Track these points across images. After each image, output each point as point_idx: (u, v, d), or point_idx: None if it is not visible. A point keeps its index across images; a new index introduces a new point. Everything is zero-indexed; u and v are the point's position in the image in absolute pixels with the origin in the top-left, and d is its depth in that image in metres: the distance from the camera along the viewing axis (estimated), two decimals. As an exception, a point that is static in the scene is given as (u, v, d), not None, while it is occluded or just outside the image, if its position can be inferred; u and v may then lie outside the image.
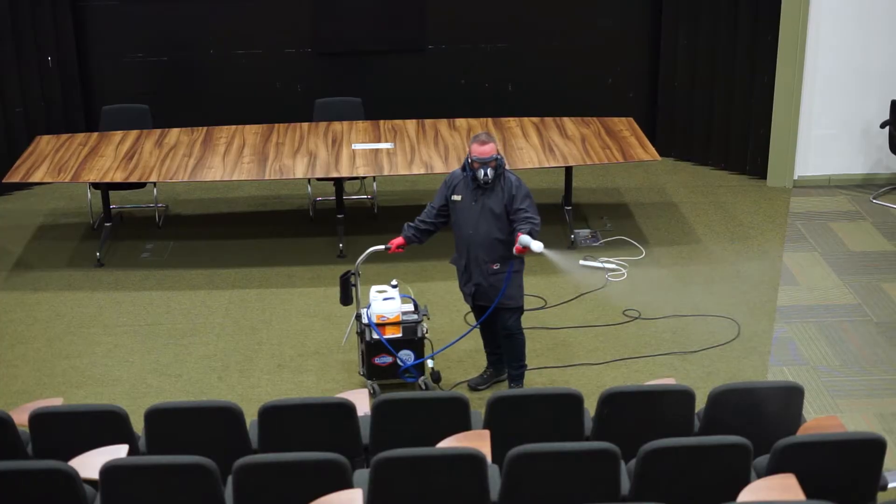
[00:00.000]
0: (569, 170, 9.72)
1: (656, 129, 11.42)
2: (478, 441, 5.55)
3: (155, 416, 5.76)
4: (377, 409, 5.87)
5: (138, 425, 5.98)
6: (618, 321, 8.43)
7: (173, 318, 8.54)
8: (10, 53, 10.56)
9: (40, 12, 10.72)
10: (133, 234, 9.99)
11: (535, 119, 10.09)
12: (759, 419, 5.77)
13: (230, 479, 5.22)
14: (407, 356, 7.40)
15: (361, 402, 6.18)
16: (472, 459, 5.17)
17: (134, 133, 9.91)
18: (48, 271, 9.30)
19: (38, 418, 5.77)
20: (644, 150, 9.54)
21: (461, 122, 10.05)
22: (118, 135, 9.88)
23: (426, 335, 7.45)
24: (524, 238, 6.80)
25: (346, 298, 7.45)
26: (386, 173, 9.27)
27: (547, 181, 10.60)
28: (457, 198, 7.14)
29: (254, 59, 11.37)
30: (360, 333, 7.45)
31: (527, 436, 5.33)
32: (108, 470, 5.12)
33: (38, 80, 10.84)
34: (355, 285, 7.42)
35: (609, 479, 5.24)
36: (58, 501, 5.16)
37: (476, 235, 7.08)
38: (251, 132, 9.94)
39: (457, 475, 5.20)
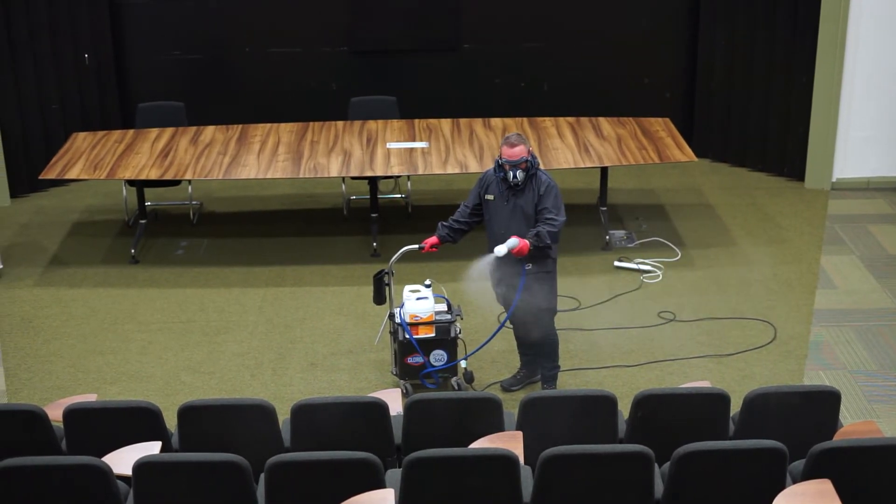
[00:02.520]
0: (604, 170, 9.68)
1: (693, 130, 11.34)
2: (510, 442, 5.54)
3: (188, 413, 5.77)
4: (410, 408, 5.86)
5: (171, 422, 6.00)
6: (652, 323, 8.38)
7: (207, 316, 8.57)
8: (47, 51, 10.63)
9: (77, 10, 10.78)
10: (168, 231, 10.03)
11: (570, 119, 10.05)
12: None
13: (262, 476, 5.22)
14: (440, 357, 7.38)
15: (394, 401, 6.17)
16: (504, 460, 5.15)
17: (169, 130, 9.95)
18: (83, 268, 9.35)
19: (72, 414, 5.80)
20: (680, 151, 9.48)
21: (496, 122, 10.02)
22: (153, 132, 9.92)
23: (459, 335, 7.43)
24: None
25: (379, 297, 7.44)
26: (420, 172, 9.25)
27: (582, 181, 10.56)
28: (490, 197, 7.12)
29: (289, 58, 11.39)
30: (394, 333, 7.44)
31: (560, 437, 5.31)
32: (141, 466, 5.14)
33: (74, 78, 10.91)
34: (389, 284, 7.40)
35: (642, 483, 5.21)
36: (91, 497, 5.19)
37: (508, 235, 7.04)
38: (286, 130, 9.95)
39: (489, 476, 5.19)
